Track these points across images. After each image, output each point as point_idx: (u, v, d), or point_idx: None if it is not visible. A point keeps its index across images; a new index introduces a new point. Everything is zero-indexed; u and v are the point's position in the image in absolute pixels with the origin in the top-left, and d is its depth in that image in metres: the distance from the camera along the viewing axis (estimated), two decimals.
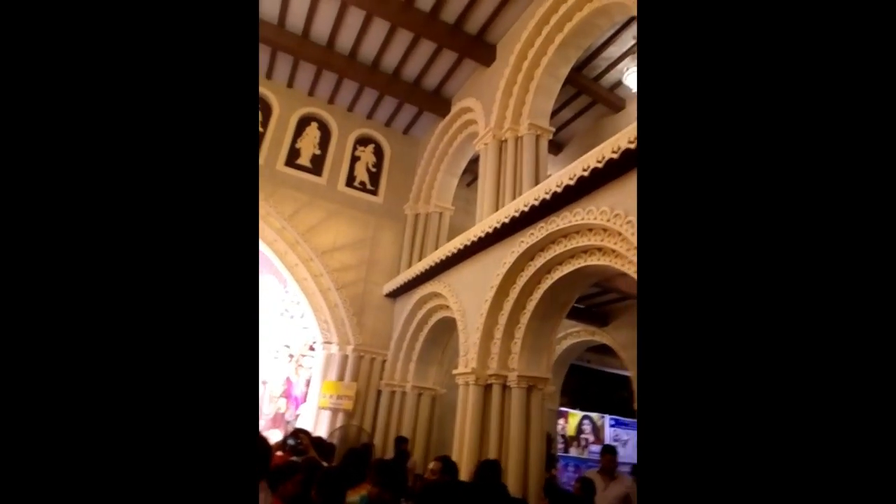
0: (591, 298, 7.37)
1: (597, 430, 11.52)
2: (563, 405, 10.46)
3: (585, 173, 3.99)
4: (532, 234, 4.68)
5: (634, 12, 4.53)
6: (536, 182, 5.42)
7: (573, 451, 10.83)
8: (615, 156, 3.72)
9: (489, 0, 6.13)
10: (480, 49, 6.70)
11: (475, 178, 9.09)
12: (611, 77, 7.25)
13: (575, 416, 11.20)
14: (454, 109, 7.55)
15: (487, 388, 4.95)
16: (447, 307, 6.18)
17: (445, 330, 6.70)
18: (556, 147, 8.48)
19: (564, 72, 5.96)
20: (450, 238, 7.24)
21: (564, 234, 4.48)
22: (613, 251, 4.03)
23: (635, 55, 6.69)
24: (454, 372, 5.33)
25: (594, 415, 11.41)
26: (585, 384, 11.28)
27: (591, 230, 4.21)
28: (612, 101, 7.58)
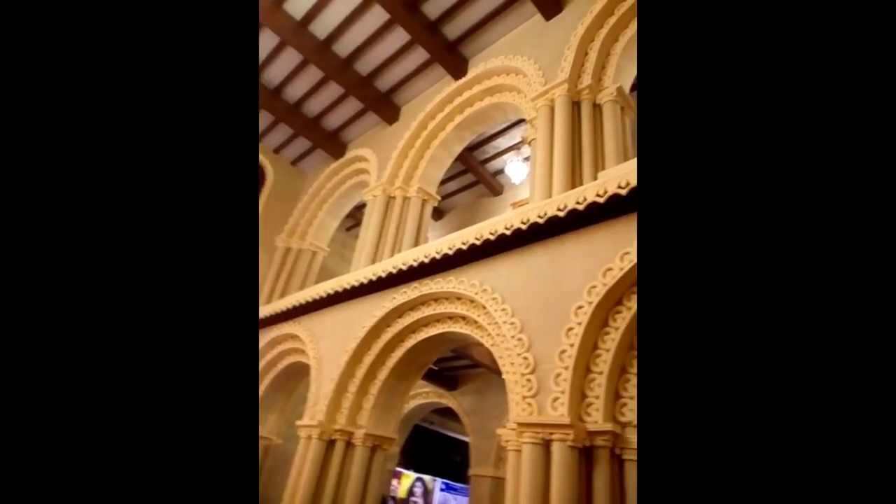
0: (444, 362, 7.62)
1: (427, 494, 11.48)
2: (398, 465, 10.32)
3: (464, 247, 4.32)
4: (405, 292, 4.81)
5: (525, 115, 5.21)
6: (416, 243, 5.66)
7: None
8: (492, 237, 4.11)
9: (402, 65, 6.52)
10: (386, 106, 6.99)
11: (355, 224, 9.10)
12: (496, 164, 8.06)
13: (408, 477, 11.07)
14: (349, 154, 7.63)
15: (330, 444, 4.74)
16: (303, 352, 5.89)
17: (295, 375, 6.32)
18: (437, 213, 8.97)
19: (458, 149, 6.50)
20: (318, 279, 7.03)
21: (435, 298, 4.69)
22: (476, 322, 4.32)
23: (519, 151, 7.58)
24: (298, 423, 5.02)
25: (427, 477, 11.40)
26: (423, 445, 11.34)
27: (459, 299, 4.49)
28: (492, 184, 8.39)
